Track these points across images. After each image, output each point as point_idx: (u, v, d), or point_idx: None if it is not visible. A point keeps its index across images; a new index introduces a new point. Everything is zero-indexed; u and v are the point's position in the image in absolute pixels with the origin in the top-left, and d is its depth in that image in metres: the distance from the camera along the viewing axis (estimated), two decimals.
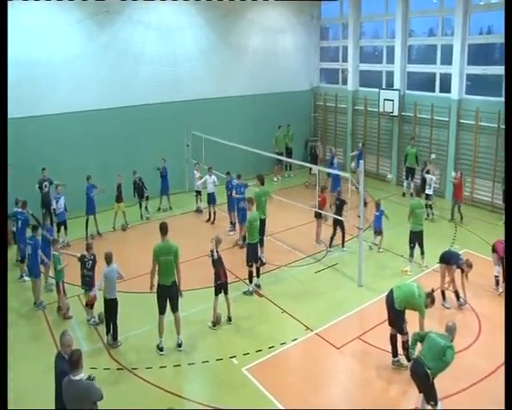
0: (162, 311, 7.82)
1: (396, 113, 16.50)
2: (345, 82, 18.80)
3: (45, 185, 12.80)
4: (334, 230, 11.59)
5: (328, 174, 14.52)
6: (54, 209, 12.23)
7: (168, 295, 7.71)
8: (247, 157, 14.77)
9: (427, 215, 13.09)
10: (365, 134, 18.20)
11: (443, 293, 9.16)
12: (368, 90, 17.88)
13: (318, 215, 11.84)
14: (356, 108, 18.45)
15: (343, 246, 11.73)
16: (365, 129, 18.16)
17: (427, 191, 13.33)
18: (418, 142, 16.14)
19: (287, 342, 8.11)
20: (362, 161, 10.00)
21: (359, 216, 10.00)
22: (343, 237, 11.67)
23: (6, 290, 6.58)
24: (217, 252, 8.48)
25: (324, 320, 8.71)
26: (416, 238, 10.42)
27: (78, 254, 8.76)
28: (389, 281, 9.48)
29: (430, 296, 7.20)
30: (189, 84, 16.51)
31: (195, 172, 14.73)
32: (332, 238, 11.69)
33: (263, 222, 10.92)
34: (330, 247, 11.71)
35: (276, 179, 17.84)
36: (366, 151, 17.62)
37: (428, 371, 6.00)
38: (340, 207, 11.48)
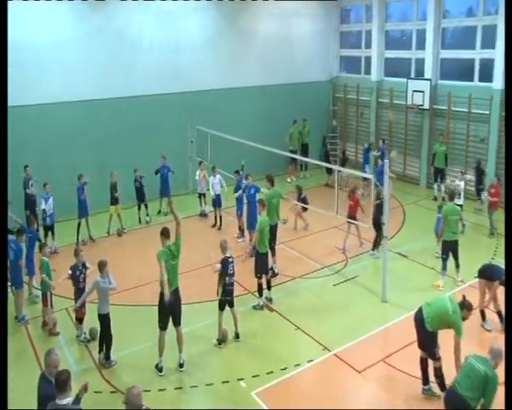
0: (164, 326, 7.79)
1: (426, 106, 16.32)
2: (368, 71, 18.73)
3: (31, 184, 12.91)
4: (377, 231, 11.66)
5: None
6: (44, 210, 12.24)
7: (173, 305, 7.68)
8: (257, 155, 14.76)
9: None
10: (390, 130, 18.10)
11: (482, 313, 8.92)
12: (394, 80, 17.79)
13: (351, 219, 11.81)
14: (380, 100, 18.37)
15: (373, 249, 11.79)
16: (391, 124, 18.06)
17: (456, 201, 12.78)
18: (453, 139, 15.99)
19: (301, 364, 8.05)
20: (386, 161, 9.91)
21: (383, 223, 9.91)
22: (376, 240, 11.71)
23: (6, 289, 6.65)
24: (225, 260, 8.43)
25: (344, 339, 8.63)
26: (450, 248, 10.24)
27: (69, 272, 8.72)
28: (418, 296, 9.30)
29: (465, 305, 6.91)
30: (193, 74, 16.58)
31: (198, 171, 14.73)
32: (376, 241, 11.74)
33: (274, 228, 10.88)
34: (374, 250, 11.83)
35: (289, 180, 17.79)
36: (391, 149, 17.50)
37: (469, 401, 5.81)
38: (381, 206, 11.43)
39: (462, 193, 12.80)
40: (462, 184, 12.87)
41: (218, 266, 8.35)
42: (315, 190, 16.92)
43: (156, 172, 14.67)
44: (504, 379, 5.52)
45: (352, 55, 19.83)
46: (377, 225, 11.28)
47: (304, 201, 13.26)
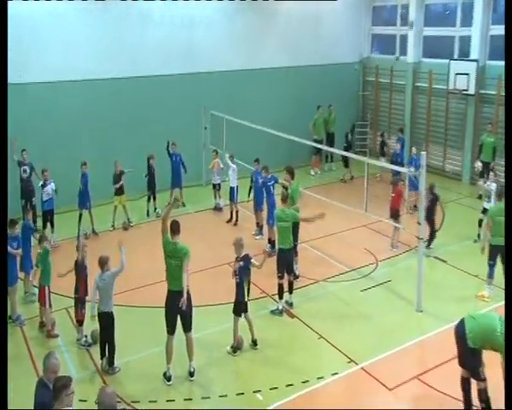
0: (171, 330, 7.79)
1: (472, 91, 15.89)
2: (403, 51, 18.45)
3: (24, 170, 12.99)
4: (431, 227, 11.83)
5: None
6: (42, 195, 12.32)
7: (179, 307, 7.64)
8: (277, 145, 14.72)
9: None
10: (429, 118, 17.80)
11: None
12: (434, 61, 17.48)
13: (395, 215, 11.72)
14: (417, 84, 18.11)
15: (428, 246, 11.79)
16: (429, 112, 17.77)
17: (485, 205, 12.15)
18: (503, 128, 15.61)
19: (325, 377, 7.97)
20: (423, 154, 9.66)
21: (419, 223, 9.72)
22: (431, 236, 11.78)
23: (6, 286, 6.70)
24: (241, 259, 8.40)
25: (372, 352, 8.52)
26: (498, 254, 9.98)
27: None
28: (458, 307, 9.16)
29: None
30: (208, 53, 16.55)
31: (212, 162, 14.72)
32: (431, 236, 11.89)
33: (295, 225, 10.77)
34: (430, 245, 11.93)
35: (313, 173, 17.69)
36: (429, 141, 17.23)
37: None
38: (433, 202, 11.61)
39: (493, 196, 11.97)
40: (493, 185, 12.10)
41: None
42: (340, 184, 16.80)
43: (169, 154, 14.64)
44: (504, 379, 5.51)
45: (385, 33, 19.58)
46: (430, 220, 11.40)
47: None
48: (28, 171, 13.05)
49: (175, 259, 7.61)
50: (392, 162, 14.48)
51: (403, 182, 12.13)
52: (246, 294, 8.47)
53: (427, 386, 7.79)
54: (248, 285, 8.52)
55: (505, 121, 8.00)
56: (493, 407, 7.00)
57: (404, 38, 18.50)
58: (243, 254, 8.47)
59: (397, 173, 13.10)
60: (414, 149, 14.53)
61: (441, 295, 10.19)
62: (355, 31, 19.62)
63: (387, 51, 19.43)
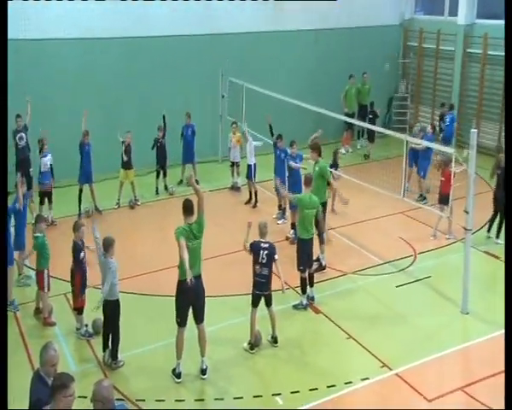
0: (182, 321, 7.81)
1: None
2: (453, 11, 18.03)
3: (20, 138, 13.06)
4: (496, 212, 11.73)
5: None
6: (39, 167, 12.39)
7: (193, 295, 7.66)
8: (303, 117, 14.61)
9: None
10: (481, 91, 17.46)
11: None
12: (490, 23, 17.08)
13: (444, 200, 11.58)
14: (469, 51, 17.79)
15: (498, 236, 11.72)
16: (482, 83, 17.45)
17: None
18: None
19: (353, 382, 7.93)
20: (474, 132, 9.45)
21: (467, 211, 9.55)
22: (500, 225, 11.65)
23: (5, 282, 6.75)
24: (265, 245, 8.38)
25: (409, 357, 8.45)
26: None
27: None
28: None
29: None
30: (227, 12, 16.46)
31: (231, 135, 14.70)
32: (492, 222, 11.87)
33: (323, 207, 10.68)
34: (490, 231, 11.96)
35: (343, 151, 17.52)
36: (481, 117, 16.90)
37: None
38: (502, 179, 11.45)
39: None
40: None
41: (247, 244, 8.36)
42: (375, 164, 16.61)
43: (182, 134, 14.68)
44: (504, 379, 5.57)
45: None
46: (498, 204, 11.35)
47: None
48: (24, 137, 13.13)
49: (196, 239, 7.65)
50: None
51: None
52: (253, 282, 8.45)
53: (473, 400, 7.66)
54: (253, 273, 8.45)
55: (505, 122, 8.12)
56: (493, 406, 7.27)
57: None
58: (262, 239, 8.42)
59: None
60: None
61: (491, 296, 10.01)
62: None
63: (434, 11, 19.18)
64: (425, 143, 12.58)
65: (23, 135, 13.12)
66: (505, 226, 7.20)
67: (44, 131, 12.62)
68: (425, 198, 13.68)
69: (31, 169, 13.09)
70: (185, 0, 15.79)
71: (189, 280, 7.34)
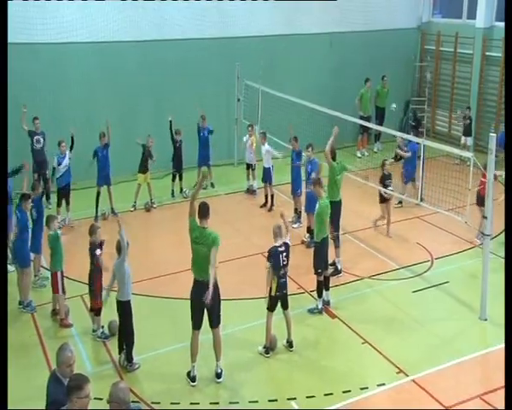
0: (197, 324, 7.82)
1: None
2: (472, 14, 17.88)
3: (37, 140, 13.18)
4: None
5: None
6: (54, 168, 12.50)
7: (202, 302, 7.63)
8: (319, 120, 14.51)
9: None
10: (501, 94, 17.22)
11: None
12: None
13: (481, 202, 11.32)
14: (488, 54, 17.59)
15: None
16: (501, 86, 17.25)
17: None
18: None
19: (369, 388, 7.89)
20: (492, 136, 9.34)
21: (485, 217, 9.45)
22: None
23: (6, 282, 6.86)
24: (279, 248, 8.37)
25: (426, 363, 8.39)
26: None
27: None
28: None
29: None
30: (244, 15, 16.49)
31: (246, 137, 14.74)
32: None
33: (337, 209, 10.60)
34: None
35: (359, 154, 17.50)
36: (500, 121, 16.67)
37: None
38: None
39: None
40: None
41: (267, 263, 8.34)
42: (392, 168, 16.51)
43: (198, 130, 14.65)
44: (504, 379, 5.57)
45: None
46: None
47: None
48: (42, 141, 13.25)
49: (202, 245, 7.59)
50: None
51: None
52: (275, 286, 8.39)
53: (492, 408, 7.58)
54: (277, 277, 8.37)
55: (505, 117, 8.06)
56: (497, 403, 7.30)
57: None
58: (277, 243, 8.40)
59: None
60: None
61: None
62: None
63: (452, 14, 19.02)
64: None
65: (40, 138, 13.25)
66: (505, 226, 7.07)
67: (73, 128, 12.74)
68: (400, 202, 13.57)
69: (47, 171, 13.22)
70: (201, 2, 15.84)
71: None
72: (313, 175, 11.32)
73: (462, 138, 16.84)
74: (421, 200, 11.59)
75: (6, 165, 8.14)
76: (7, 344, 6.20)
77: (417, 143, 13.06)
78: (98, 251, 8.79)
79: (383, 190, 12.19)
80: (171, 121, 14.18)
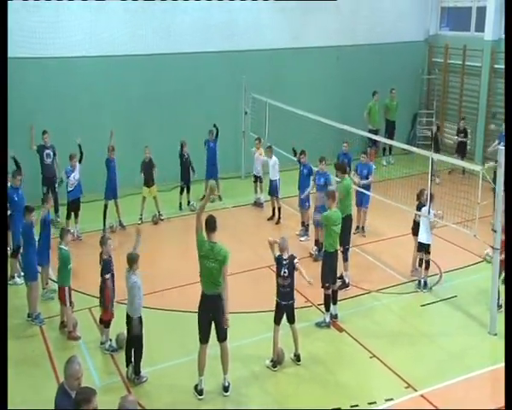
0: (204, 338, 7.84)
1: None
2: (480, 27, 17.96)
3: (47, 155, 13.31)
4: None
5: None
6: (61, 180, 12.59)
7: (213, 313, 7.72)
8: (326, 134, 14.57)
9: None
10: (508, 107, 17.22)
11: None
12: None
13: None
14: (497, 66, 17.61)
15: None
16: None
17: None
18: None
19: (377, 402, 7.87)
20: (501, 149, 9.35)
21: (495, 230, 9.44)
22: None
23: (6, 283, 6.91)
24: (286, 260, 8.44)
25: (435, 378, 8.36)
26: None
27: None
28: None
29: None
30: (250, 29, 16.65)
31: (254, 149, 14.82)
32: None
33: (348, 223, 10.70)
34: None
35: (371, 164, 17.41)
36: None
37: None
38: None
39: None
40: None
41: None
42: (401, 181, 16.46)
43: (205, 144, 14.79)
44: (504, 379, 5.60)
45: (458, 5, 19.19)
46: None
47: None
48: (52, 155, 13.37)
49: (212, 261, 7.61)
50: None
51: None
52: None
53: None
54: (276, 285, 8.48)
55: (505, 121, 7.95)
56: (493, 406, 7.40)
57: (481, 11, 17.99)
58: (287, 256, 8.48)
59: None
60: None
61: None
62: (421, 3, 19.29)
63: (460, 27, 19.11)
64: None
65: (50, 152, 13.35)
66: (505, 226, 7.05)
67: (79, 138, 12.84)
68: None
69: (56, 185, 13.37)
70: (208, 16, 15.99)
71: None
72: (329, 188, 11.36)
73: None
74: (429, 213, 11.55)
75: (6, 170, 8.15)
76: (7, 345, 6.22)
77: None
78: (110, 268, 8.86)
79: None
80: (181, 144, 14.36)
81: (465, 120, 17.00)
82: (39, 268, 10.15)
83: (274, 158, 13.96)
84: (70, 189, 12.63)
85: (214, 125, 14.77)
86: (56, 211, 13.35)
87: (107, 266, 8.85)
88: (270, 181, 13.96)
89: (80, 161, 12.70)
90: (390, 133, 17.58)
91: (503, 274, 9.49)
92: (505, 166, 8.24)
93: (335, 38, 17.87)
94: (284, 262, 8.43)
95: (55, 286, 10.06)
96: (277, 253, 8.52)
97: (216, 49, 16.20)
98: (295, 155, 13.27)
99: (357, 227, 13.07)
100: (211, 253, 7.60)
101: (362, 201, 12.97)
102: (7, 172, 8.47)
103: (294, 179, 13.39)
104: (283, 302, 8.48)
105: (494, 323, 9.48)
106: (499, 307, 9.58)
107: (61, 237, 9.43)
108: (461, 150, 16.60)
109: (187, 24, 15.86)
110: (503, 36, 17.30)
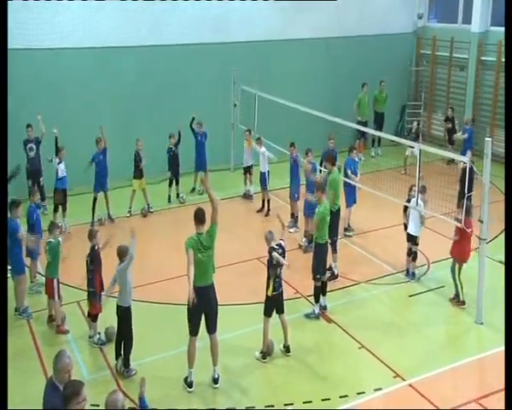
0: (194, 330, 7.84)
1: None
2: (467, 19, 18.00)
3: (30, 148, 13.22)
4: None
5: None
6: (50, 160, 12.48)
7: (205, 305, 7.71)
8: (315, 126, 14.55)
9: None
10: (496, 99, 17.39)
11: None
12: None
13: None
14: (483, 58, 17.73)
15: None
16: (496, 91, 17.38)
17: None
18: None
19: (366, 392, 7.91)
20: (488, 140, 9.41)
21: (481, 221, 9.49)
22: None
23: (6, 283, 6.91)
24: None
25: (422, 367, 8.41)
26: None
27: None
28: None
29: None
30: (240, 21, 16.56)
31: (246, 142, 14.78)
32: None
33: (336, 215, 10.71)
34: None
35: (357, 159, 17.42)
36: (495, 125, 16.76)
37: None
38: None
39: None
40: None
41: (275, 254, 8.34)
42: (389, 172, 16.54)
43: (193, 132, 14.68)
44: (504, 379, 5.63)
45: None
46: None
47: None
48: (35, 148, 13.31)
49: (207, 249, 7.64)
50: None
51: None
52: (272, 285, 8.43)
53: None
54: (274, 276, 8.42)
55: (505, 120, 8.11)
56: (493, 407, 7.33)
57: (468, 3, 17.99)
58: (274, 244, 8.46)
59: None
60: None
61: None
62: None
63: (448, 19, 19.09)
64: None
65: (33, 146, 13.28)
66: (505, 227, 7.13)
67: (57, 127, 12.62)
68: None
69: (41, 178, 13.29)
70: (197, 8, 15.87)
71: (191, 300, 7.42)
72: (318, 178, 11.37)
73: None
74: (417, 203, 11.57)
75: (6, 170, 8.15)
76: (7, 345, 6.24)
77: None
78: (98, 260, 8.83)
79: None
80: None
81: (453, 109, 17.06)
82: (27, 261, 10.07)
83: (263, 148, 13.95)
84: (61, 175, 12.48)
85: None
86: (43, 199, 13.14)
87: (94, 259, 8.80)
88: (260, 173, 13.97)
89: (56, 154, 12.52)
90: (379, 125, 17.61)
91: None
92: (505, 167, 8.21)
93: (324, 29, 17.79)
94: (280, 252, 8.42)
95: (43, 280, 9.99)
96: (271, 244, 8.45)
97: (204, 42, 16.11)
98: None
99: (345, 228, 12.70)
100: (199, 244, 7.61)
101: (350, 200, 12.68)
102: (7, 169, 8.37)
103: (284, 171, 13.38)
104: (275, 293, 8.45)
105: (480, 312, 9.55)
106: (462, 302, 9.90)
107: (50, 231, 9.38)
108: (449, 138, 16.79)
109: (176, 16, 15.74)
110: (490, 28, 17.45)
